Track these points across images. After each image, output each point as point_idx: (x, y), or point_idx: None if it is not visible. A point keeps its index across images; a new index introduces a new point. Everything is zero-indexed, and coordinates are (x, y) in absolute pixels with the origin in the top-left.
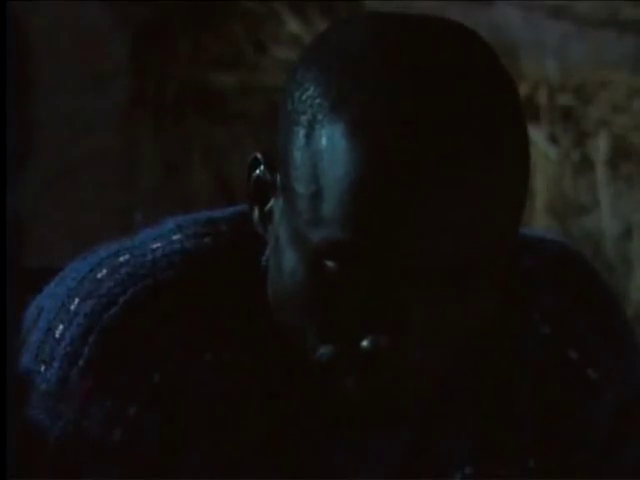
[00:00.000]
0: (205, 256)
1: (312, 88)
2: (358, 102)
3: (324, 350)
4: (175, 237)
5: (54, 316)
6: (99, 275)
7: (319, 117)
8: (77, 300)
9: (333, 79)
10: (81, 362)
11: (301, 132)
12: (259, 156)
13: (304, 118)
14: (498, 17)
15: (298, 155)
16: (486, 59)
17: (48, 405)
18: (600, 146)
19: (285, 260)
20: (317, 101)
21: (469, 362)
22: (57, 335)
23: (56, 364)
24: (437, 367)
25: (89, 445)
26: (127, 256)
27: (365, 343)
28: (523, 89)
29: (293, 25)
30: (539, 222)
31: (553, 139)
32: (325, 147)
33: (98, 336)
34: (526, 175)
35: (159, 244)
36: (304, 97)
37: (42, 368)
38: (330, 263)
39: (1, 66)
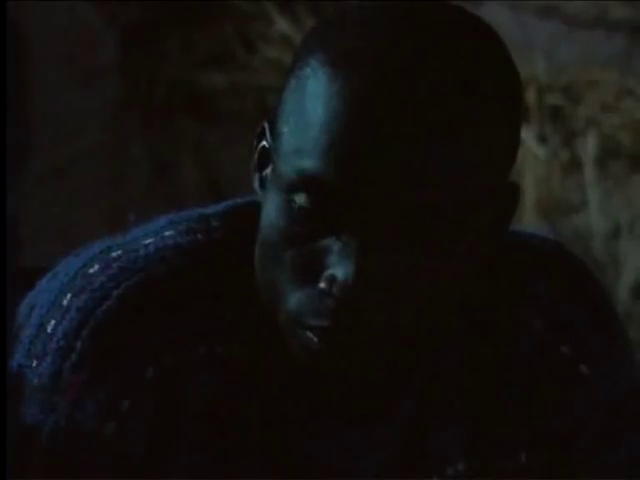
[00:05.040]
0: (198, 251)
1: (308, 43)
2: (341, 41)
3: (293, 299)
4: (167, 233)
5: (46, 311)
6: (91, 270)
7: (309, 59)
8: (69, 295)
9: (323, 30)
10: (74, 356)
11: (292, 79)
12: (265, 125)
13: (296, 66)
14: (487, 17)
15: (287, 98)
16: (478, 22)
17: (41, 399)
18: (589, 146)
19: (266, 209)
20: (308, 48)
21: (437, 331)
22: (49, 330)
23: (49, 359)
24: (396, 322)
25: (82, 439)
26: (119, 251)
27: (322, 284)
28: None
29: (283, 25)
30: (528, 221)
31: (542, 139)
32: (310, 82)
33: (91, 330)
34: (512, 132)
35: (151, 240)
36: (301, 51)
37: (34, 363)
38: (300, 196)
39: (1, 67)
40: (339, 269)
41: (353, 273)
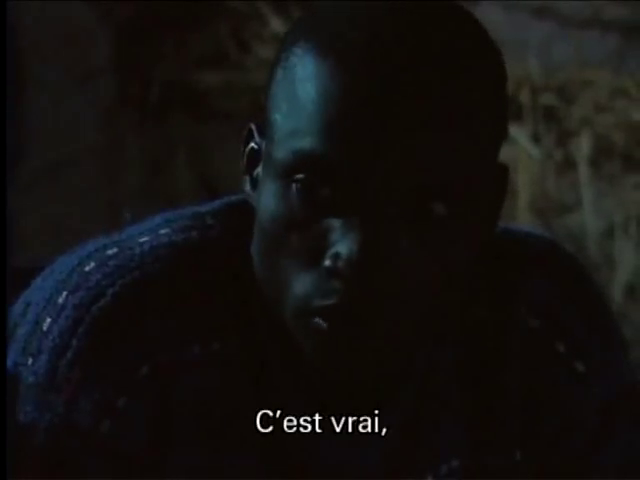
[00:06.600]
0: (193, 249)
1: (291, 35)
2: (328, 26)
3: (299, 284)
4: (163, 231)
5: (42, 309)
6: (87, 268)
7: (294, 49)
8: (65, 293)
9: (308, 20)
10: (69, 354)
11: (279, 68)
12: (252, 127)
13: (283, 56)
14: (481, 17)
15: (276, 87)
16: (463, 12)
17: (36, 397)
18: (583, 145)
19: (262, 200)
20: (293, 37)
21: (438, 321)
22: (45, 328)
23: (44, 357)
24: (402, 300)
25: (78, 437)
26: (115, 249)
27: (327, 262)
28: None
29: (277, 25)
30: (522, 221)
31: (536, 138)
32: (298, 68)
33: (86, 328)
34: (500, 111)
35: (147, 238)
36: (285, 44)
37: (30, 361)
38: (298, 177)
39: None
40: (343, 246)
41: (357, 249)
